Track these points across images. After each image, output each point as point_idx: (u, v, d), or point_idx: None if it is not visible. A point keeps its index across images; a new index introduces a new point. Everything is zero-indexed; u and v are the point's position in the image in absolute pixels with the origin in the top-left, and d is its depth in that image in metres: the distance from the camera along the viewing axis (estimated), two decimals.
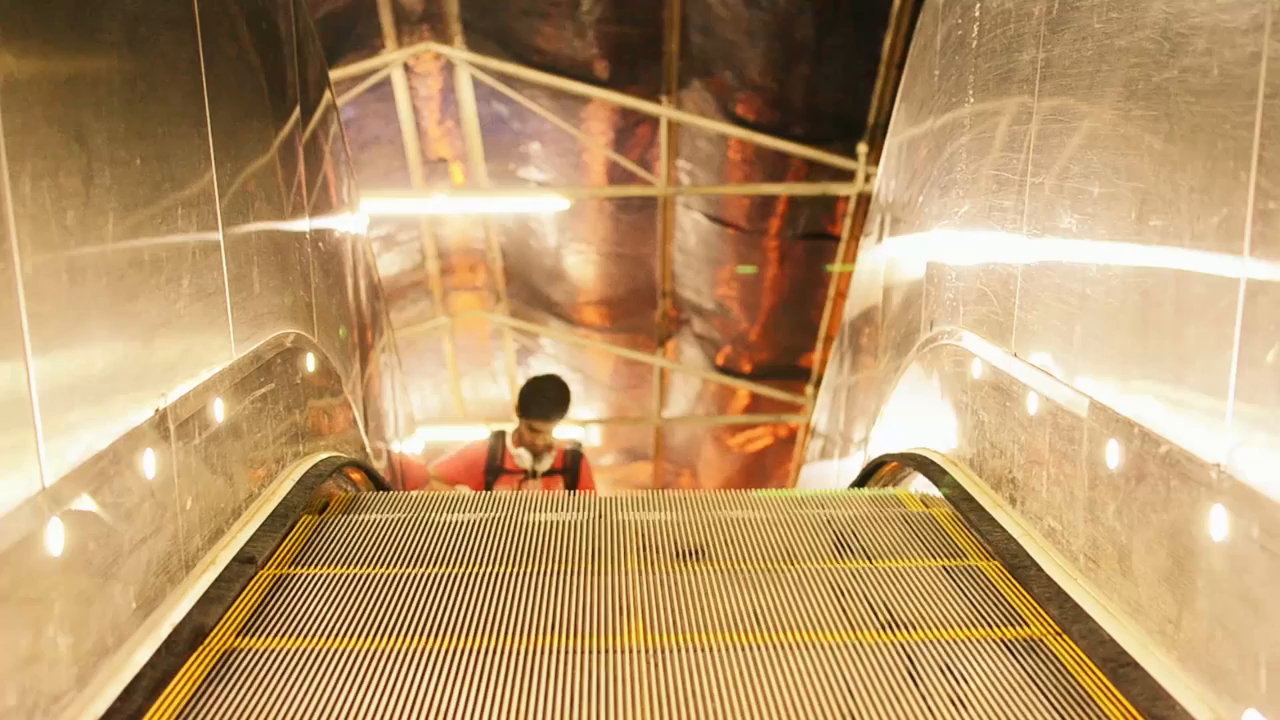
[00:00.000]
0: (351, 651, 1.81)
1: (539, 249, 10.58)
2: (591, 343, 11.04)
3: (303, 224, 2.78)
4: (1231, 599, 1.38)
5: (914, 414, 3.09)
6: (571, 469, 5.24)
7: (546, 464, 5.16)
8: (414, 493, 2.91)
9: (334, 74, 7.67)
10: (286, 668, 1.76)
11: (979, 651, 1.81)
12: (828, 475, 5.01)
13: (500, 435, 5.26)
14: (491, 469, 5.18)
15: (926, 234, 3.03)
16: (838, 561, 2.22)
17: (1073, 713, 1.63)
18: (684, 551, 2.27)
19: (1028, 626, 1.90)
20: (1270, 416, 1.30)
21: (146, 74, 1.73)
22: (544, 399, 5.10)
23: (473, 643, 1.83)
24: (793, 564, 2.19)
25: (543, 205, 9.81)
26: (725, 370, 10.83)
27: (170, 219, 1.78)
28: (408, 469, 4.79)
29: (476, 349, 11.92)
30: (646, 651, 1.78)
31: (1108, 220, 1.77)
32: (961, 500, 2.43)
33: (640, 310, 10.60)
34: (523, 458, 5.13)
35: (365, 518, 2.51)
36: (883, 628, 1.89)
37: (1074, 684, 1.71)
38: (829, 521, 2.46)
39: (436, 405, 11.91)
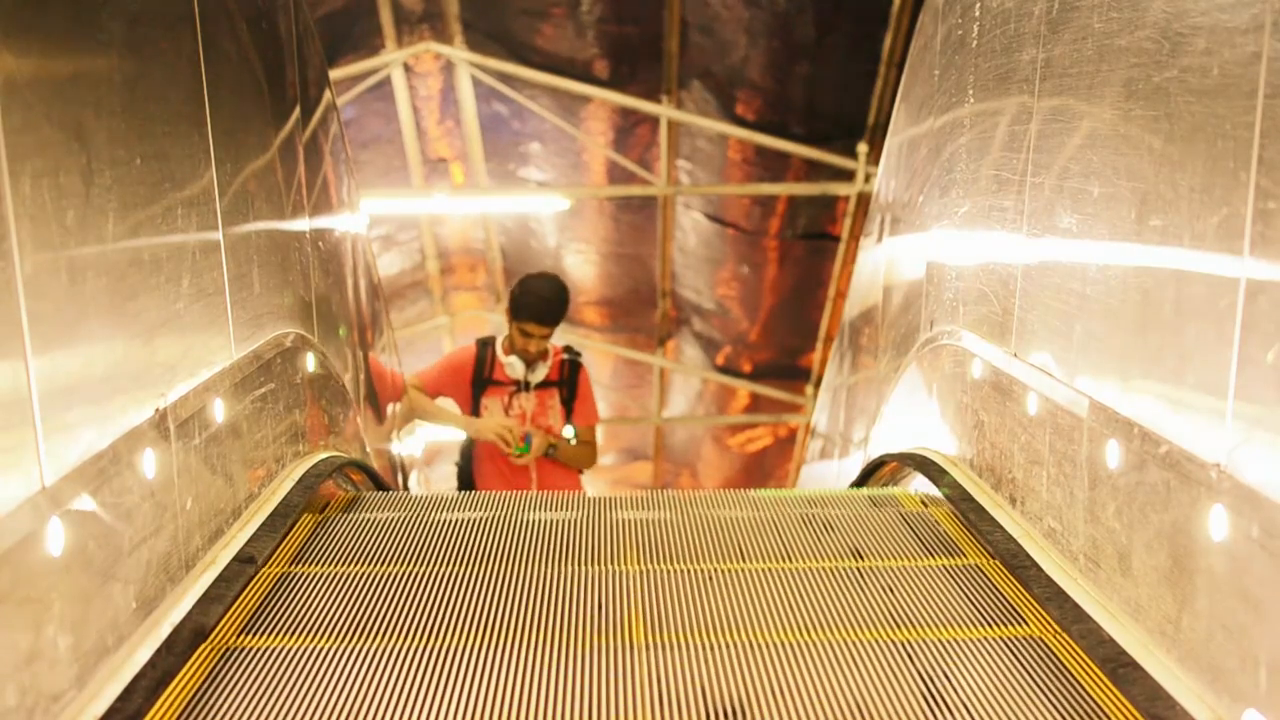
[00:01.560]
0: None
1: (539, 249, 10.58)
2: (591, 342, 11.03)
3: (303, 224, 2.78)
4: (1231, 599, 1.38)
5: (914, 414, 3.09)
6: (569, 380, 4.70)
7: (541, 374, 4.64)
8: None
9: (334, 74, 7.66)
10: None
11: None
12: (827, 475, 5.01)
13: (488, 343, 4.70)
14: (479, 380, 4.66)
15: (926, 234, 3.04)
16: None
17: None
18: (718, 713, 1.65)
19: None
20: (1270, 416, 1.30)
21: (146, 74, 1.73)
22: (540, 299, 4.50)
23: None
24: None
25: (543, 205, 9.80)
26: (725, 370, 10.83)
27: (170, 219, 1.78)
28: (381, 378, 4.12)
29: None
30: None
31: (1108, 220, 1.77)
32: (961, 500, 2.43)
33: (640, 310, 10.60)
34: (514, 367, 4.60)
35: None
36: None
37: None
38: (908, 651, 1.83)
39: None
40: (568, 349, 4.76)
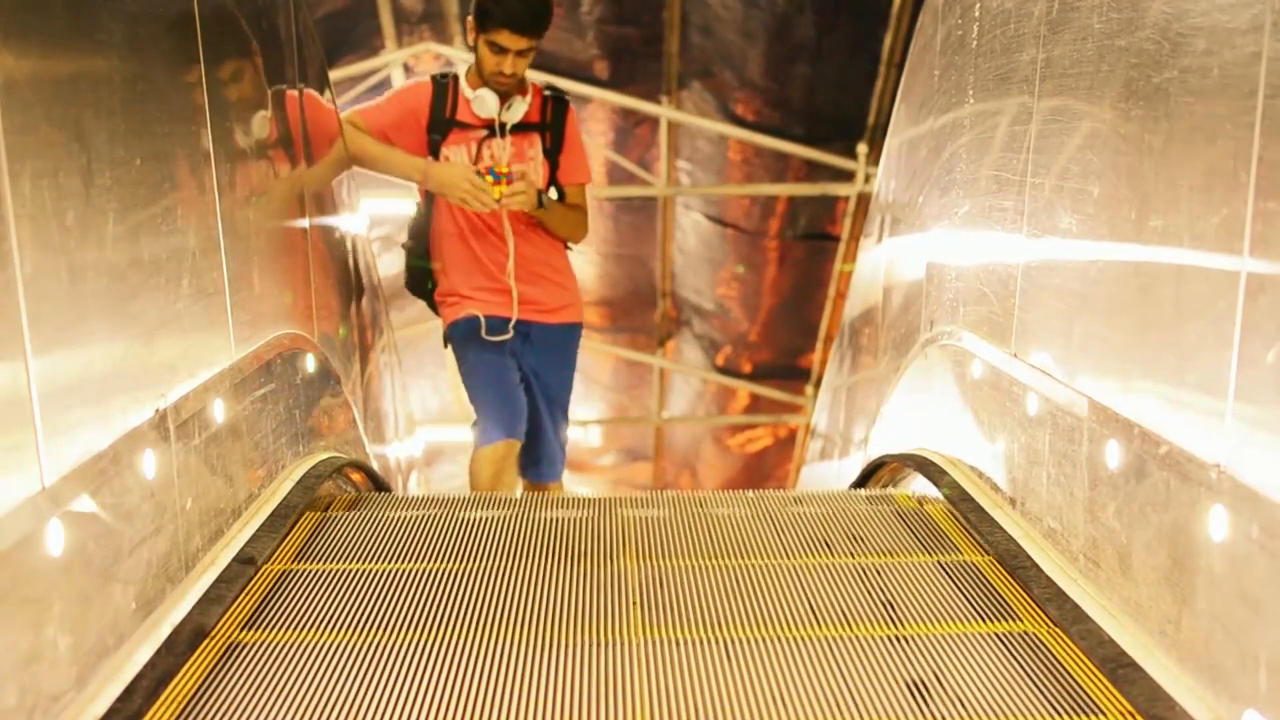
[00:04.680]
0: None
1: None
2: (591, 343, 11.03)
3: (303, 223, 2.78)
4: (1231, 599, 1.38)
5: (914, 414, 3.09)
6: (554, 124, 3.68)
7: (519, 112, 3.58)
8: None
9: (334, 74, 7.67)
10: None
11: None
12: (828, 476, 5.01)
13: (447, 76, 3.64)
14: (438, 121, 3.60)
15: (926, 234, 3.04)
16: None
17: None
18: None
19: None
20: (1270, 416, 1.30)
21: (146, 74, 1.73)
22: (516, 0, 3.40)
23: None
24: None
25: None
26: (725, 370, 10.83)
27: (170, 219, 1.78)
28: (316, 118, 3.02)
29: None
30: None
31: (1107, 220, 1.77)
32: (961, 500, 2.43)
33: (640, 310, 10.59)
34: (484, 101, 3.54)
35: None
36: None
37: None
38: None
39: (436, 405, 11.91)
40: (550, 86, 3.77)
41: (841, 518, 2.53)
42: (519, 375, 3.86)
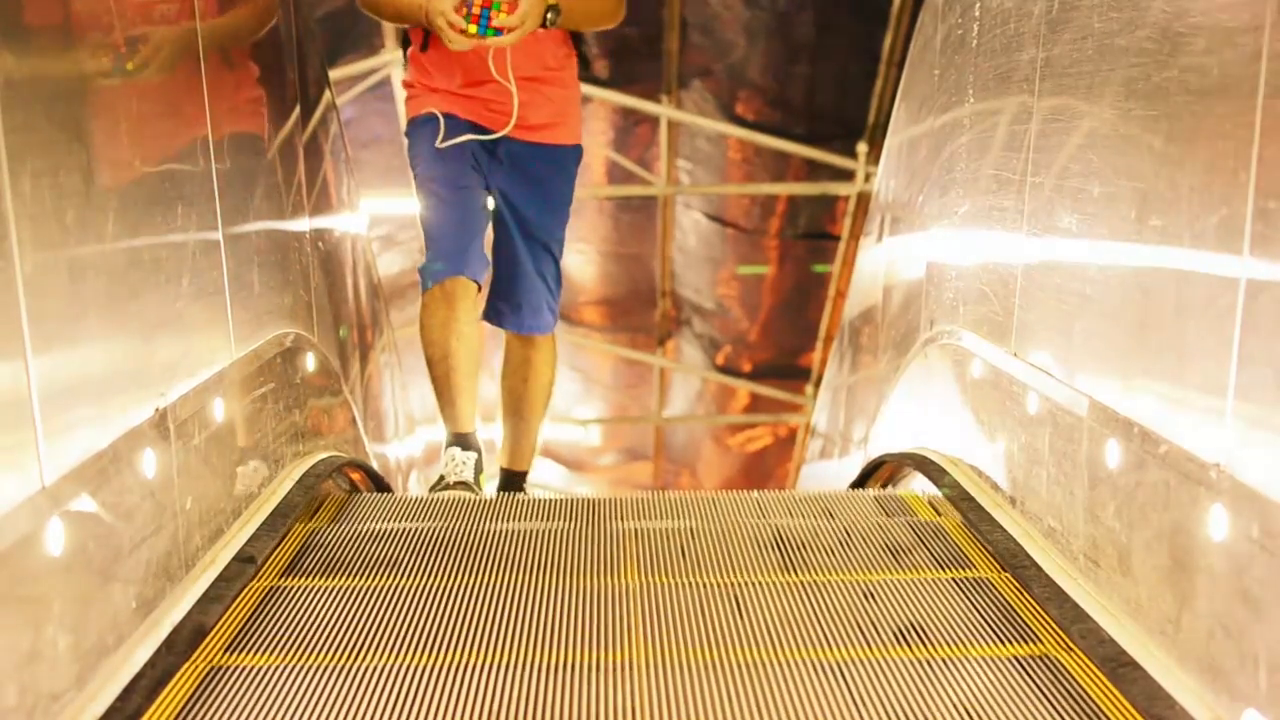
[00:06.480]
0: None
1: None
2: (591, 342, 11.03)
3: (303, 223, 2.78)
4: (1231, 599, 1.38)
5: (914, 413, 3.10)
6: None
7: None
8: None
9: (334, 74, 7.65)
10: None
11: None
12: (828, 475, 5.01)
13: None
14: None
15: (926, 233, 3.04)
16: None
17: None
18: None
19: None
20: (1270, 416, 1.30)
21: (147, 73, 1.72)
22: None
23: None
24: None
25: None
26: (725, 370, 10.82)
27: (170, 218, 1.78)
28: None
29: None
30: None
31: (1107, 220, 1.77)
32: (961, 500, 2.43)
33: (640, 310, 10.59)
34: None
35: None
36: None
37: None
38: None
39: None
40: None
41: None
42: (483, 199, 3.16)
